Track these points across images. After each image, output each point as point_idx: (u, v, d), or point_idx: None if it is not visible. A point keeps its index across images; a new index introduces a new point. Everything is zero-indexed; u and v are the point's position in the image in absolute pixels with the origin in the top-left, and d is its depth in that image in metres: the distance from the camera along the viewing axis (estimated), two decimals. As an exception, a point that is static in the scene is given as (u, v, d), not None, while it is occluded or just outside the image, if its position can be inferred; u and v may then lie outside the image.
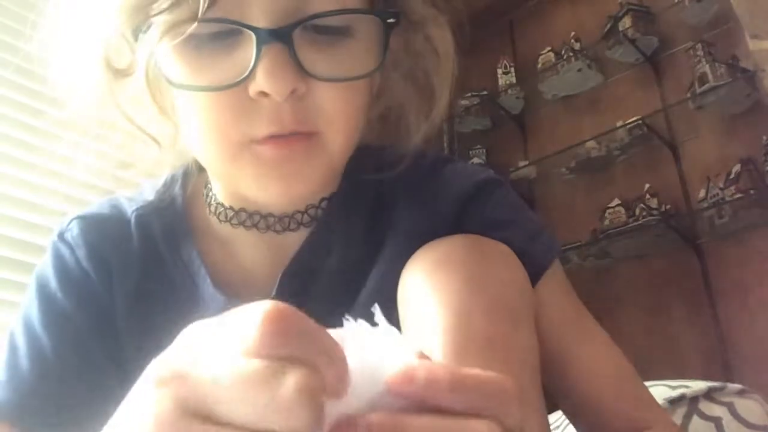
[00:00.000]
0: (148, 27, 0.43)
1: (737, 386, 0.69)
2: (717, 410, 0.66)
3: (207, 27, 0.43)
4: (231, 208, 0.53)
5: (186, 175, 0.58)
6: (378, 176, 0.56)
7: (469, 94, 2.50)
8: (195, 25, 0.42)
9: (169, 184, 0.57)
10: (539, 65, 2.42)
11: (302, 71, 0.43)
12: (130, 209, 0.56)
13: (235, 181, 0.49)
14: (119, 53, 0.48)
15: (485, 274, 0.44)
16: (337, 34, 0.46)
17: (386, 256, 0.52)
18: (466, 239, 0.47)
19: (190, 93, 0.46)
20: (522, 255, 0.48)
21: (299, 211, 0.53)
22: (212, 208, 0.55)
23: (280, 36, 0.43)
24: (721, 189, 1.85)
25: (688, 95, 2.01)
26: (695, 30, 2.10)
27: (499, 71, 2.54)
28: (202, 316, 0.49)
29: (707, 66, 1.95)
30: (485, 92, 2.51)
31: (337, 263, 0.53)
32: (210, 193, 0.55)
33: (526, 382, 0.42)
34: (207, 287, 0.52)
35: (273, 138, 0.45)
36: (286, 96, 0.43)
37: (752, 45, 1.43)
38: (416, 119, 0.55)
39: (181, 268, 0.53)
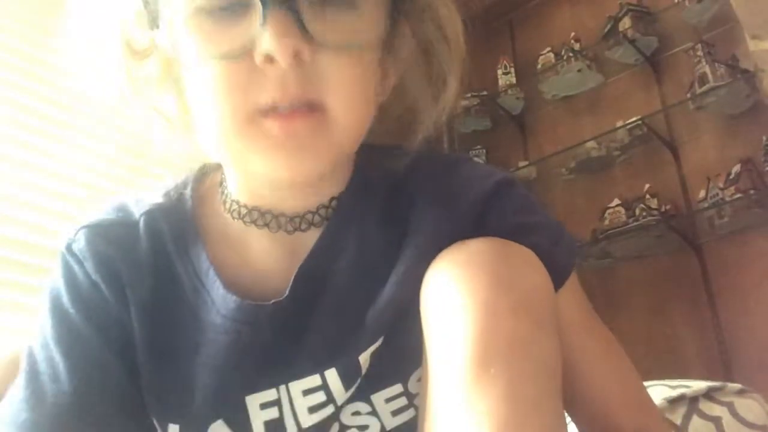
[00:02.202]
0: (163, 3, 0.46)
1: (737, 386, 0.69)
2: (717, 410, 0.66)
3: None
4: (245, 206, 0.53)
5: (197, 179, 0.57)
6: (390, 174, 0.55)
7: (469, 95, 2.50)
8: None
9: (179, 187, 0.56)
10: (539, 66, 2.42)
11: (307, 35, 0.43)
12: (138, 212, 0.55)
13: (244, 159, 0.48)
14: (137, 34, 0.49)
15: (511, 277, 0.44)
16: (342, 4, 0.46)
17: (407, 256, 0.51)
18: (492, 242, 0.47)
19: (200, 67, 0.46)
20: (545, 260, 0.48)
21: (310, 212, 0.53)
22: (226, 206, 0.54)
23: (285, 2, 0.43)
24: (721, 189, 1.85)
25: (688, 96, 2.01)
26: (695, 30, 2.10)
27: (499, 72, 2.54)
28: (214, 320, 0.49)
29: (707, 66, 1.95)
30: (485, 92, 2.51)
31: (351, 263, 0.52)
32: (225, 191, 0.55)
33: (547, 386, 0.42)
34: (218, 289, 0.51)
35: (278, 114, 0.44)
36: (290, 58, 0.43)
37: (752, 45, 1.43)
38: (425, 106, 0.54)
39: (191, 271, 0.52)
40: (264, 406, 0.50)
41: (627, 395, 0.53)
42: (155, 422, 0.50)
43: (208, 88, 0.46)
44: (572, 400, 0.52)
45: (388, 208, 0.54)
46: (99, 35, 0.50)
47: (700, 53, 1.99)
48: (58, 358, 0.49)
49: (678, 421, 0.66)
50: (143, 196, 0.56)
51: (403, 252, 0.51)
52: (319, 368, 0.50)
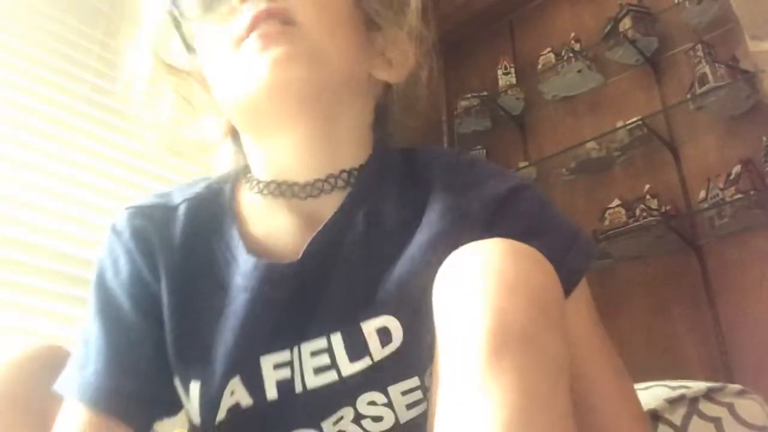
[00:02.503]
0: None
1: (737, 387, 0.69)
2: (717, 411, 0.66)
3: None
4: (264, 181, 0.59)
5: (235, 177, 0.64)
6: (408, 161, 0.61)
7: (469, 95, 2.50)
8: None
9: (220, 181, 0.63)
10: (539, 66, 2.42)
11: None
12: (180, 198, 0.61)
13: (242, 83, 0.54)
14: (170, 43, 0.61)
15: (522, 277, 0.45)
16: None
17: (418, 241, 0.54)
18: (503, 243, 0.47)
19: (203, 32, 0.58)
20: (555, 265, 0.49)
21: (320, 180, 0.58)
22: (251, 186, 0.60)
23: None
24: (721, 190, 1.85)
25: (689, 96, 2.01)
26: (695, 31, 2.10)
27: (499, 72, 2.54)
28: (237, 282, 0.55)
29: (707, 67, 1.95)
30: (485, 93, 2.51)
31: (362, 238, 0.56)
32: (249, 174, 0.62)
33: (558, 383, 0.43)
34: (242, 254, 0.57)
35: (256, 32, 0.53)
36: None
37: (752, 46, 1.43)
38: (391, 32, 0.61)
39: (223, 247, 0.58)
40: (277, 366, 0.54)
41: (622, 407, 0.55)
42: (179, 383, 0.55)
43: (209, 42, 0.57)
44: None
45: (404, 192, 0.59)
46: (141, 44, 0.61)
47: (700, 54, 1.99)
48: (96, 324, 0.56)
49: (678, 422, 0.66)
50: (187, 187, 0.64)
51: (414, 236, 0.55)
52: (326, 331, 0.53)
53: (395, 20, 0.60)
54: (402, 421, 0.53)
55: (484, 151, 2.49)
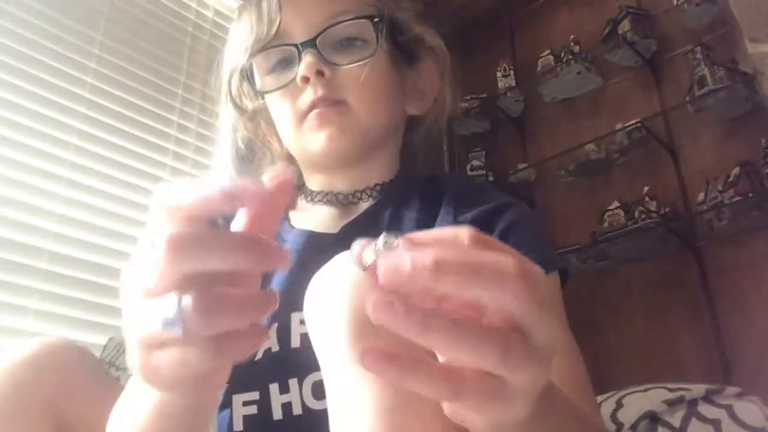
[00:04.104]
0: (248, 62, 0.76)
1: (736, 389, 0.69)
2: (716, 413, 0.66)
3: (275, 53, 0.75)
4: (314, 191, 0.78)
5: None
6: (430, 181, 0.78)
7: (469, 97, 2.50)
8: (264, 50, 0.75)
9: None
10: (539, 68, 2.42)
11: (326, 61, 0.71)
12: None
13: (303, 143, 0.74)
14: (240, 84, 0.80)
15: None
16: (350, 40, 0.74)
17: None
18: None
19: (274, 100, 0.76)
20: None
21: (358, 191, 0.77)
22: (305, 195, 0.79)
23: (310, 43, 0.72)
24: (720, 192, 1.85)
25: (687, 98, 2.02)
26: (694, 33, 2.10)
27: (499, 74, 2.54)
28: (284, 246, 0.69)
29: (706, 69, 1.95)
30: (485, 95, 2.51)
31: (387, 226, 0.70)
32: (303, 187, 0.80)
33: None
34: (287, 230, 0.75)
35: (315, 111, 0.71)
36: (314, 74, 0.70)
37: (751, 48, 1.43)
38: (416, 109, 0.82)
39: (278, 235, 0.73)
40: (303, 321, 0.60)
41: (579, 399, 0.59)
42: None
43: (278, 107, 0.76)
44: None
45: (425, 205, 0.74)
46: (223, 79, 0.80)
47: (699, 56, 1.99)
48: None
49: (677, 424, 0.66)
50: None
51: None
52: None
53: (424, 55, 0.81)
54: None
55: (484, 152, 2.49)
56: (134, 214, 1.59)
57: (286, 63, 0.74)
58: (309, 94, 0.71)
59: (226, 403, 0.65)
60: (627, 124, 2.10)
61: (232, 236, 0.33)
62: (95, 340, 1.42)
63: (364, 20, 0.74)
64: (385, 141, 0.78)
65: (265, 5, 0.75)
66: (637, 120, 2.07)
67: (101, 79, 1.66)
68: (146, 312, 0.33)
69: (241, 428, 0.64)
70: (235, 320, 0.33)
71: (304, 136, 0.72)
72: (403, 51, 0.79)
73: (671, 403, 0.67)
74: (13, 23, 1.52)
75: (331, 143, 0.71)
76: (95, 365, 0.70)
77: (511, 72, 2.53)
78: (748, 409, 0.66)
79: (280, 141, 0.80)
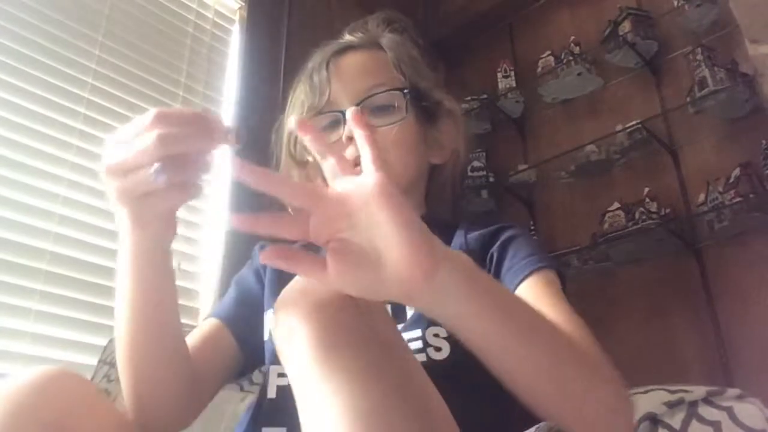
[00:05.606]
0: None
1: (736, 391, 0.69)
2: (716, 414, 0.66)
3: (325, 118, 0.92)
4: None
5: None
6: (449, 221, 0.94)
7: (469, 98, 2.50)
8: (317, 115, 0.93)
9: None
10: (539, 69, 2.42)
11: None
12: None
13: None
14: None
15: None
16: (384, 107, 0.92)
17: None
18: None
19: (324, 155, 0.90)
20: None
21: None
22: None
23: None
24: (721, 193, 1.85)
25: (688, 99, 2.01)
26: (695, 34, 2.10)
27: (499, 75, 2.54)
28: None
29: (707, 70, 1.95)
30: (485, 96, 2.51)
31: None
32: None
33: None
34: None
35: (357, 167, 0.80)
36: None
37: (751, 49, 1.43)
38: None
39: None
40: None
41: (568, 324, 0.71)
42: (267, 316, 0.90)
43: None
44: None
45: (440, 235, 0.83)
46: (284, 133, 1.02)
47: (699, 57, 1.99)
48: (233, 287, 0.98)
49: (677, 426, 0.66)
50: None
51: None
52: None
53: (443, 116, 0.99)
54: (454, 355, 0.75)
55: (484, 153, 2.48)
56: (135, 214, 1.59)
57: (333, 125, 0.91)
58: (353, 150, 0.84)
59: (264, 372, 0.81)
60: (627, 125, 2.10)
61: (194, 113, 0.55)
62: (96, 341, 1.42)
63: (396, 92, 0.93)
64: (415, 185, 0.96)
65: (316, 78, 0.95)
66: (638, 121, 2.07)
67: (102, 80, 1.67)
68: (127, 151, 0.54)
69: (274, 396, 0.77)
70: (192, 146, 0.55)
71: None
72: (426, 113, 0.98)
73: (671, 405, 0.67)
74: (14, 24, 1.53)
75: None
76: (94, 393, 0.73)
77: (512, 73, 2.53)
78: (749, 411, 0.66)
79: (325, 184, 0.90)
